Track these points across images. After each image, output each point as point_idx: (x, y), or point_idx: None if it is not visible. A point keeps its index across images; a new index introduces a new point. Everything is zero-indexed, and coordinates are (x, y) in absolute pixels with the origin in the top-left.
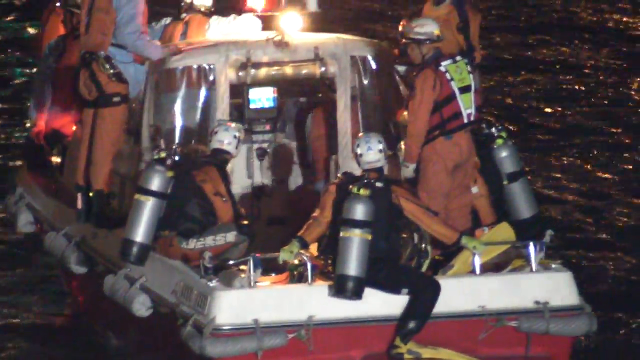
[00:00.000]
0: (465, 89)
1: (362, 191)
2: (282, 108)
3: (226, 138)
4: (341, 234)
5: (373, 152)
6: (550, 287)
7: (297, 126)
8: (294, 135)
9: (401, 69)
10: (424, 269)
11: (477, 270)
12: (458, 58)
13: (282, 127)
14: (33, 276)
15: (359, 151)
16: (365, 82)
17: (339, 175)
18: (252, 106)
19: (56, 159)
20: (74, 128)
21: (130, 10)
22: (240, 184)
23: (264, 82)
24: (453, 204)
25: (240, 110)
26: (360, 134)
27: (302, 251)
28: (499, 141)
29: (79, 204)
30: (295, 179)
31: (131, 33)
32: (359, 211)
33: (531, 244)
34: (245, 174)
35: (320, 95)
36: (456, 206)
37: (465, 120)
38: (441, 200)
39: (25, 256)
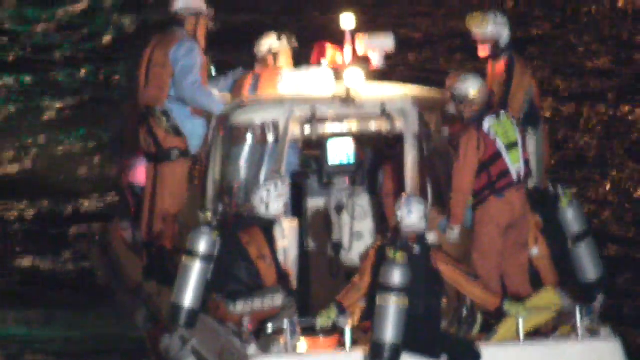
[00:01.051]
0: (511, 146)
1: (399, 256)
2: (362, 161)
3: (255, 202)
4: (377, 300)
5: (414, 215)
6: (596, 355)
7: (375, 180)
8: (374, 189)
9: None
10: (474, 334)
11: (521, 337)
12: (502, 114)
13: (362, 180)
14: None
15: (399, 214)
16: (434, 138)
17: (378, 239)
18: (330, 160)
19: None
20: None
21: (187, 63)
22: (318, 238)
23: (329, 139)
24: (508, 264)
25: (319, 164)
26: (403, 196)
27: (340, 316)
28: (564, 201)
29: (144, 260)
30: (373, 234)
31: (189, 85)
32: (395, 276)
33: (577, 309)
34: (322, 228)
35: (393, 149)
36: (512, 265)
37: (515, 178)
38: (494, 261)
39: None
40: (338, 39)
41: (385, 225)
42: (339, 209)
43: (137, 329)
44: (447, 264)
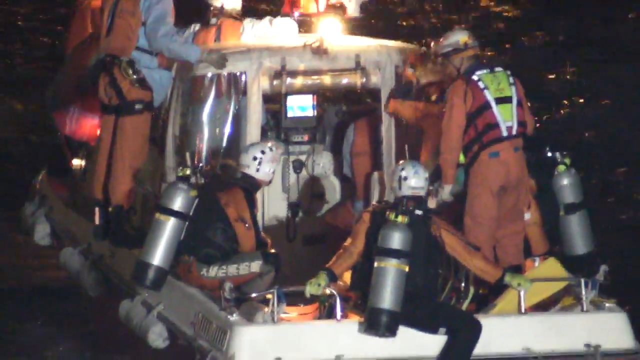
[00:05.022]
0: (503, 100)
1: (401, 218)
2: (321, 117)
3: (246, 161)
4: (375, 263)
5: (420, 177)
6: (602, 328)
7: (338, 137)
8: (334, 147)
9: None
10: (464, 307)
11: (523, 309)
12: (498, 69)
13: (322, 138)
14: (47, 291)
15: (403, 174)
16: (412, 93)
17: (373, 202)
18: (289, 115)
19: (78, 165)
20: (98, 132)
21: (160, 11)
22: (274, 199)
23: (300, 92)
24: (503, 231)
25: (277, 119)
26: (403, 161)
27: (331, 284)
28: (561, 167)
29: (97, 220)
30: (334, 195)
31: (164, 35)
32: (396, 239)
33: (582, 281)
34: (280, 188)
35: (364, 105)
36: (507, 233)
37: (505, 133)
38: (488, 227)
39: (41, 270)
40: None
41: (349, 185)
42: (297, 167)
43: (84, 292)
44: (449, 232)
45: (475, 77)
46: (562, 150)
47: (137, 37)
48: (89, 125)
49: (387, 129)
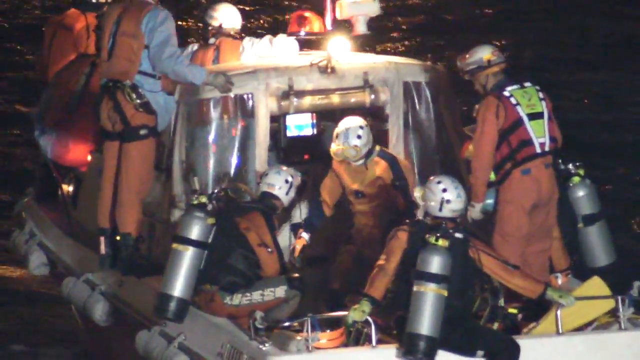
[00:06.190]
0: (535, 116)
1: (441, 242)
2: (321, 135)
3: (277, 182)
4: (414, 288)
5: (462, 199)
6: None
7: None
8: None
9: None
10: (495, 325)
11: (560, 330)
12: (527, 84)
13: (322, 156)
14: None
15: (446, 197)
16: (420, 111)
17: (407, 221)
18: (289, 134)
19: (67, 190)
20: (89, 158)
21: (163, 33)
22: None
23: (308, 112)
24: (531, 249)
25: (276, 138)
26: (440, 177)
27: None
28: (576, 179)
29: (103, 249)
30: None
31: (169, 57)
32: (436, 264)
33: (619, 298)
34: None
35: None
36: (534, 251)
37: (538, 150)
38: (519, 245)
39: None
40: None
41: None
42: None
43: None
44: (487, 254)
45: (506, 93)
46: (575, 162)
47: (140, 60)
48: (77, 150)
49: (394, 146)
